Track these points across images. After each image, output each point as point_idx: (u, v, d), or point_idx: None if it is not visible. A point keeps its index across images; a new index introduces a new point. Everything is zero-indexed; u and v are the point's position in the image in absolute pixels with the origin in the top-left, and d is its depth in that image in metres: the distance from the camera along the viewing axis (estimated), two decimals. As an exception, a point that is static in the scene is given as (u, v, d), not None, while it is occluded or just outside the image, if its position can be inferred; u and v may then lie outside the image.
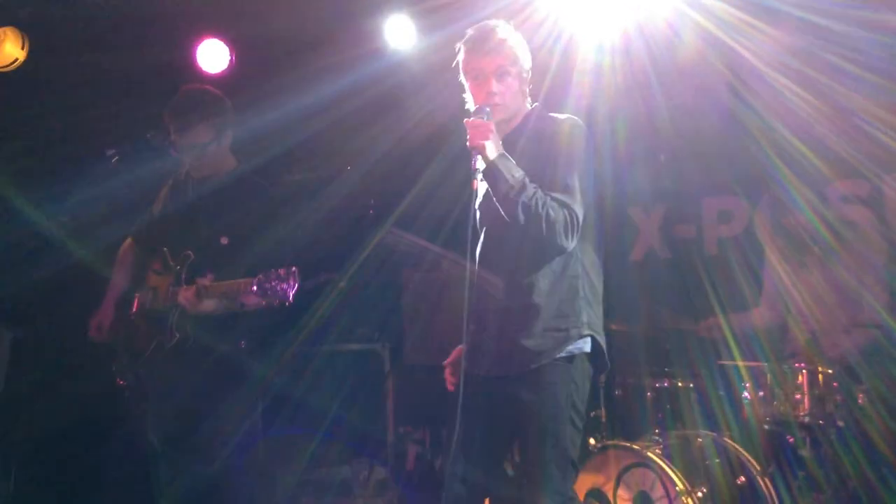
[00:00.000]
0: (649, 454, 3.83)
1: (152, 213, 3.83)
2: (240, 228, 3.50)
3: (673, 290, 5.03)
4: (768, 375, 3.94)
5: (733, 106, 4.81)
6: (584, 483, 4.01)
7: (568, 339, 2.78)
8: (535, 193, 2.70)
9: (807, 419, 3.83)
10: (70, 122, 4.69)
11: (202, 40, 4.77)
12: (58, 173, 4.76)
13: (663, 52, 4.53)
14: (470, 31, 2.96)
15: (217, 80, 4.74)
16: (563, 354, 2.77)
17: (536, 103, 3.02)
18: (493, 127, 2.76)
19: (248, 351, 3.61)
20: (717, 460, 3.91)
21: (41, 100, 4.74)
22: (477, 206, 2.98)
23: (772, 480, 3.87)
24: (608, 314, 4.41)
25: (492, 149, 2.72)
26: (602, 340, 2.87)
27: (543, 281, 2.79)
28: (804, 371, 3.87)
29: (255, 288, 3.28)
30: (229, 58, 4.78)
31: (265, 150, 4.49)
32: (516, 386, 2.79)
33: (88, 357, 3.89)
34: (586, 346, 2.81)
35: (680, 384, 4.25)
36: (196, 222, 3.59)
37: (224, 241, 3.49)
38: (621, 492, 3.88)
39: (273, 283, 3.25)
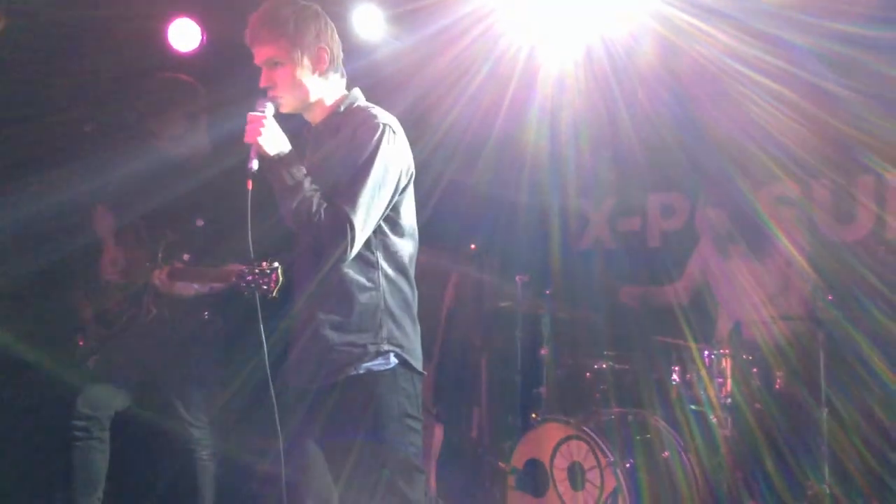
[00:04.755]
0: (584, 428, 4.11)
1: (126, 185, 3.83)
2: (215, 211, 3.60)
3: (616, 279, 5.31)
4: (696, 360, 4.27)
5: (685, 108, 5.05)
6: (523, 453, 4.31)
7: (365, 356, 2.54)
8: (309, 198, 2.48)
9: (728, 401, 4.17)
10: (44, 100, 4.58)
11: (174, 19, 4.76)
12: (33, 154, 4.67)
13: (623, 58, 4.75)
14: (253, 14, 2.63)
15: (189, 59, 4.84)
16: (360, 371, 2.53)
17: (358, 100, 2.69)
18: (266, 122, 2.50)
19: (212, 322, 3.74)
20: (646, 436, 4.20)
21: (15, 80, 4.63)
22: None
23: (695, 456, 4.19)
24: (556, 299, 4.73)
25: (268, 145, 2.50)
26: (410, 355, 2.61)
27: (339, 291, 2.56)
28: (727, 357, 4.21)
29: (233, 279, 3.27)
30: (200, 37, 4.77)
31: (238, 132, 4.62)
32: (327, 399, 2.57)
33: (64, 341, 3.95)
34: (388, 363, 2.55)
35: (616, 366, 4.54)
36: (173, 202, 3.65)
37: (199, 223, 3.61)
38: (557, 462, 4.17)
39: (254, 278, 3.32)
